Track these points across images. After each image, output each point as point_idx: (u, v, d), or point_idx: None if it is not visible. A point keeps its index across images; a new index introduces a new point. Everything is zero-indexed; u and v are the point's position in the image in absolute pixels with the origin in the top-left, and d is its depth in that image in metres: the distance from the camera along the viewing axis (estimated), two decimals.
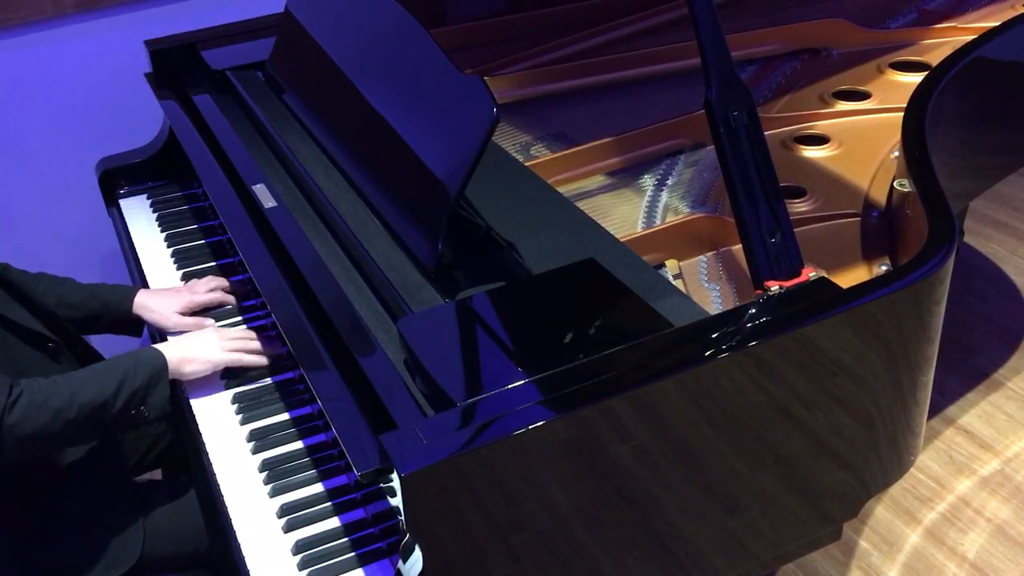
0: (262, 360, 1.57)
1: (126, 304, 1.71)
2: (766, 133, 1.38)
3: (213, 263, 1.87)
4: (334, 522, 1.34)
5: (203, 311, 1.72)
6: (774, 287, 1.29)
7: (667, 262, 1.62)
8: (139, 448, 1.80)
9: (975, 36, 1.91)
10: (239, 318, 1.73)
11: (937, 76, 1.75)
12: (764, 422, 1.25)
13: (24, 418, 1.33)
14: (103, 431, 1.44)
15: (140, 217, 2.05)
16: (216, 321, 1.70)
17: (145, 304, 1.71)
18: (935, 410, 2.48)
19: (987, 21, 2.15)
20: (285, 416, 1.52)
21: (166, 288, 1.78)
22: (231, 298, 1.74)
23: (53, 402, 1.35)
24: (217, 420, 1.52)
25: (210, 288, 1.73)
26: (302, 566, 1.28)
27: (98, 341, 1.77)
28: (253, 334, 1.59)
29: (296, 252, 1.49)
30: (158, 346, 1.51)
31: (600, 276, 1.32)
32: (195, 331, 1.62)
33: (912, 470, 1.89)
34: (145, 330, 1.78)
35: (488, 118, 1.35)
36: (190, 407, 1.55)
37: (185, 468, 1.80)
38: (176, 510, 1.60)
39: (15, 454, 1.35)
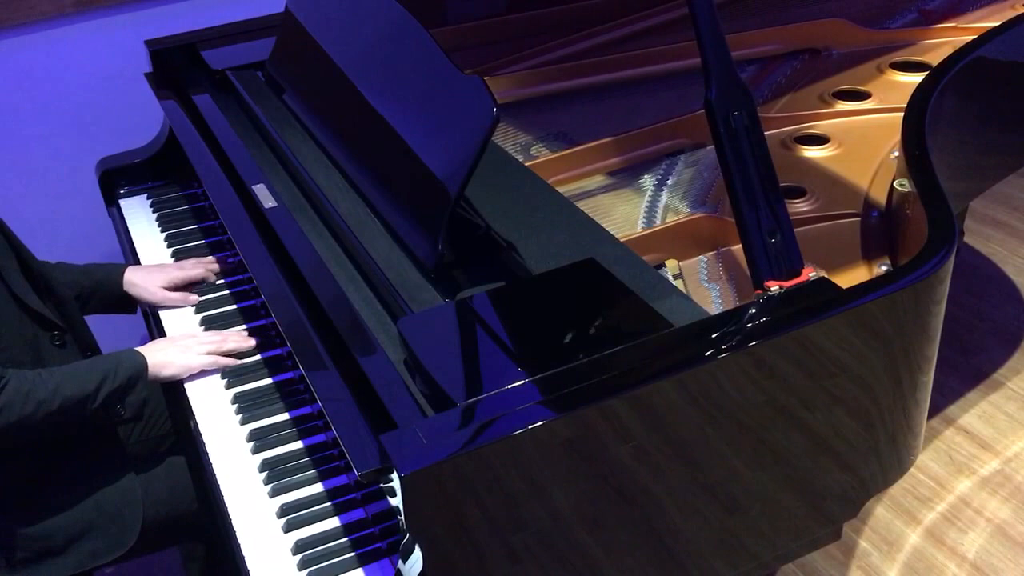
0: (234, 362, 1.60)
1: (116, 280, 1.77)
2: (766, 133, 1.38)
3: (221, 281, 1.87)
4: (334, 522, 1.34)
5: (189, 286, 1.79)
6: (774, 287, 1.29)
7: (667, 262, 1.62)
8: (143, 451, 1.81)
9: (975, 36, 1.91)
10: (239, 319, 1.73)
11: (937, 76, 1.75)
12: (764, 422, 1.25)
13: (8, 405, 1.39)
14: (81, 424, 1.50)
15: (140, 217, 2.05)
16: (212, 320, 1.72)
17: (132, 280, 1.77)
18: (935, 410, 2.48)
19: (987, 21, 2.15)
20: (285, 416, 1.52)
21: (153, 264, 1.84)
22: (215, 269, 1.81)
23: (37, 393, 1.41)
24: (217, 420, 1.52)
25: (197, 265, 1.81)
26: (302, 566, 1.28)
27: (98, 330, 1.80)
28: (228, 336, 1.62)
29: (296, 252, 1.49)
30: (140, 349, 1.56)
31: (600, 276, 1.32)
32: (176, 336, 1.66)
33: (912, 470, 1.89)
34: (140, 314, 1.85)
35: (488, 118, 1.35)
36: (191, 407, 1.55)
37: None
38: (173, 479, 1.63)
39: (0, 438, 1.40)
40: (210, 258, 1.84)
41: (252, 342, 1.62)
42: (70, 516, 1.51)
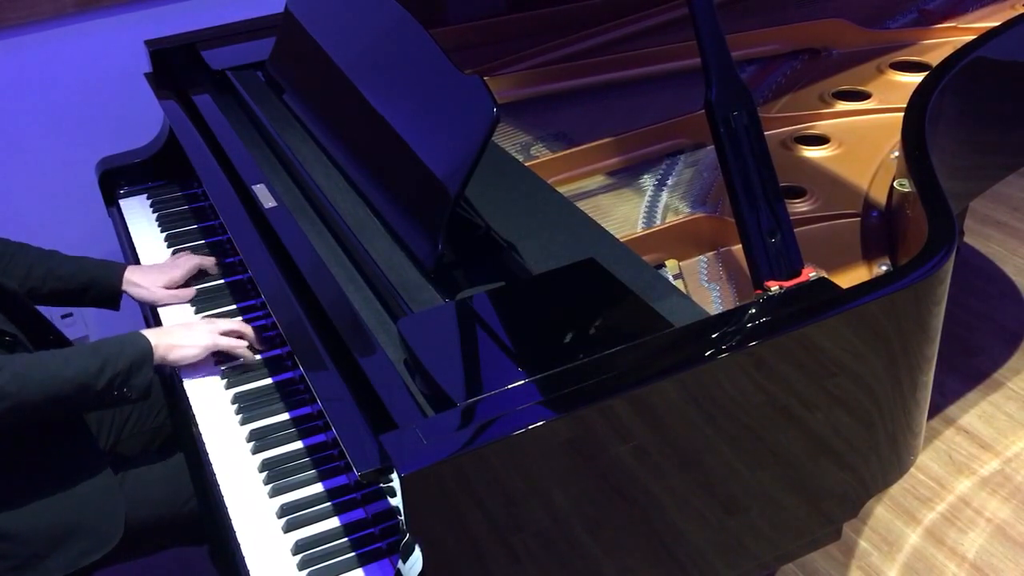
0: (244, 346, 1.60)
1: (113, 281, 1.77)
2: (766, 133, 1.38)
3: (218, 274, 1.87)
4: (334, 522, 1.34)
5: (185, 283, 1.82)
6: (774, 287, 1.29)
7: (667, 262, 1.62)
8: (138, 445, 1.81)
9: (975, 36, 1.91)
10: (238, 319, 1.73)
11: (937, 76, 1.75)
12: (764, 422, 1.25)
13: (7, 390, 1.37)
14: (87, 408, 1.49)
15: (140, 217, 2.05)
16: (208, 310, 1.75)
17: (133, 280, 1.78)
18: (935, 410, 2.48)
19: (987, 21, 2.15)
20: (285, 416, 1.52)
21: (150, 265, 1.85)
22: (211, 261, 1.83)
23: (36, 375, 1.39)
24: (217, 420, 1.52)
25: (191, 259, 1.82)
26: (302, 566, 1.28)
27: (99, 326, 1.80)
28: (243, 325, 1.62)
29: (296, 252, 1.49)
30: (145, 332, 1.54)
31: (600, 276, 1.32)
32: (185, 321, 1.66)
33: (912, 470, 1.89)
34: (138, 308, 1.86)
35: (488, 118, 1.35)
36: (190, 406, 1.55)
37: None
38: (169, 480, 1.62)
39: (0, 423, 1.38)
40: (201, 256, 1.85)
41: (253, 335, 1.62)
42: (49, 519, 1.49)
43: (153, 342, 1.52)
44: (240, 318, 1.69)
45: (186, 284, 1.80)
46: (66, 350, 1.48)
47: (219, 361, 1.62)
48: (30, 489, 1.51)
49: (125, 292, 1.78)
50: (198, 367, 1.60)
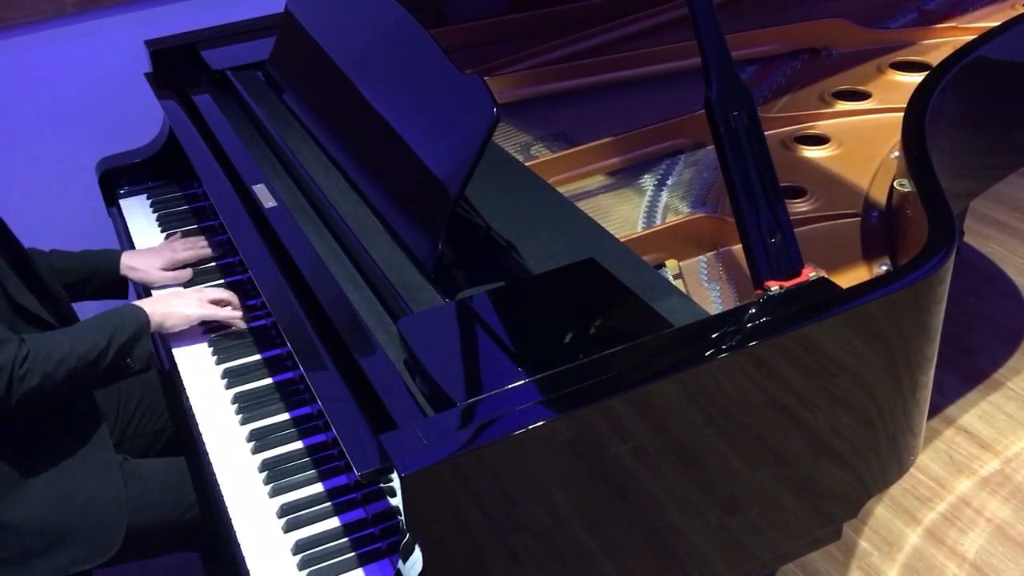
0: (237, 314, 1.66)
1: (112, 266, 1.82)
2: (766, 133, 1.38)
3: (213, 263, 1.87)
4: (334, 522, 1.34)
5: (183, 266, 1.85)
6: (774, 287, 1.29)
7: (667, 262, 1.62)
8: (141, 446, 1.80)
9: (975, 36, 1.91)
10: (219, 284, 1.78)
11: (937, 76, 1.75)
12: (764, 422, 1.25)
13: (32, 369, 1.42)
14: (97, 381, 1.54)
15: (140, 217, 2.05)
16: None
17: (130, 264, 1.82)
18: (935, 410, 2.48)
19: (987, 21, 2.15)
20: (285, 416, 1.52)
21: (147, 248, 1.89)
22: (208, 251, 1.86)
23: (55, 354, 1.45)
24: (217, 420, 1.52)
25: (188, 247, 1.85)
26: (302, 566, 1.28)
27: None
28: (229, 293, 1.68)
29: (296, 252, 1.49)
30: (139, 303, 1.60)
31: (600, 276, 1.32)
32: (173, 289, 1.74)
33: (912, 470, 1.89)
34: (131, 288, 1.91)
35: (488, 118, 1.35)
36: (191, 406, 1.55)
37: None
38: (170, 484, 1.62)
39: (23, 403, 1.43)
40: (198, 238, 1.89)
41: (239, 313, 1.68)
42: (51, 516, 1.50)
43: (148, 311, 1.57)
44: (223, 282, 1.74)
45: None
46: (75, 327, 1.53)
47: (209, 329, 1.67)
48: (38, 482, 1.51)
49: (124, 276, 1.82)
50: (198, 366, 1.61)
